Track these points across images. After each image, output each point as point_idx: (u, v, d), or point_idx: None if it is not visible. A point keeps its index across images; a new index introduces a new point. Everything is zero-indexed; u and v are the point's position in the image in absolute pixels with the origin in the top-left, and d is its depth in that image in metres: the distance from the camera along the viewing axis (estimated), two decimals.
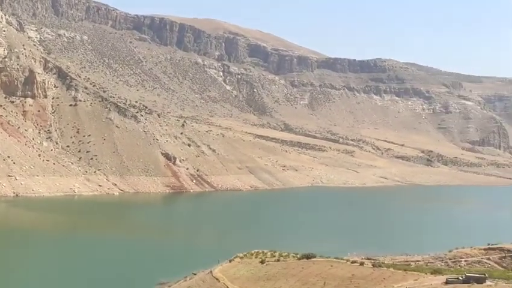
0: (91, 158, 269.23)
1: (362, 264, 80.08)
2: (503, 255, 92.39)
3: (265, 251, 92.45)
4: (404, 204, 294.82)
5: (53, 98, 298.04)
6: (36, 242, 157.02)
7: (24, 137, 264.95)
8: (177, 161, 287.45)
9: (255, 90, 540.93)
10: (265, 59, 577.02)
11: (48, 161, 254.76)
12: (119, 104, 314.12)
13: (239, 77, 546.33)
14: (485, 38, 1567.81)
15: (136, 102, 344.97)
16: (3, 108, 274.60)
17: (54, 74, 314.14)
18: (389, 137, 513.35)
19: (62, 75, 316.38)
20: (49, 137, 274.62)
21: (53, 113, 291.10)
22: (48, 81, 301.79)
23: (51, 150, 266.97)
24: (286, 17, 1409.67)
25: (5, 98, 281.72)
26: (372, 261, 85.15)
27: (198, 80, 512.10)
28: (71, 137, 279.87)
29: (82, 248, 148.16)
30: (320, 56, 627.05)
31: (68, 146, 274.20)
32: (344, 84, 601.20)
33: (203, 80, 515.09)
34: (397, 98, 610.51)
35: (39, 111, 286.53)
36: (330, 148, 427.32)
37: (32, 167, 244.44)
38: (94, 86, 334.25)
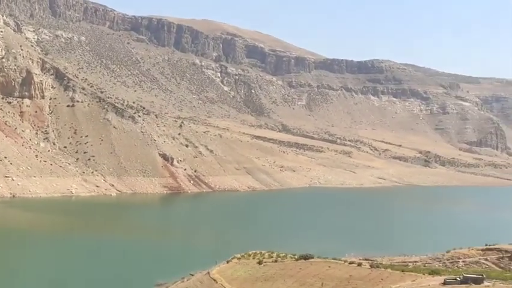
0: (88, 159, 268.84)
1: (359, 264, 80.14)
2: (501, 255, 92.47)
3: (262, 251, 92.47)
4: (402, 204, 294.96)
5: (50, 99, 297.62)
6: (33, 243, 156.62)
7: (22, 137, 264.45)
8: (175, 162, 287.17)
9: (252, 91, 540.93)
10: (263, 60, 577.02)
11: (45, 161, 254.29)
12: (116, 104, 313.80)
13: (237, 77, 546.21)
14: (483, 39, 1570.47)
15: (134, 103, 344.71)
16: (0, 109, 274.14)
17: (51, 74, 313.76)
18: (386, 138, 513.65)
19: (59, 76, 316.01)
20: (46, 138, 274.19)
21: (51, 113, 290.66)
22: (45, 82, 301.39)
23: (49, 151, 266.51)
24: (284, 18, 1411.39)
25: (2, 98, 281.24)
26: (370, 261, 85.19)
27: (196, 80, 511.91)
28: (69, 138, 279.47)
29: (79, 249, 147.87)
30: (318, 57, 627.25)
31: (65, 147, 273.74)
32: (341, 85, 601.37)
33: (201, 81, 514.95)
34: (394, 99, 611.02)
35: (36, 112, 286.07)
36: (328, 149, 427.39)
37: (29, 167, 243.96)
38: (91, 86, 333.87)
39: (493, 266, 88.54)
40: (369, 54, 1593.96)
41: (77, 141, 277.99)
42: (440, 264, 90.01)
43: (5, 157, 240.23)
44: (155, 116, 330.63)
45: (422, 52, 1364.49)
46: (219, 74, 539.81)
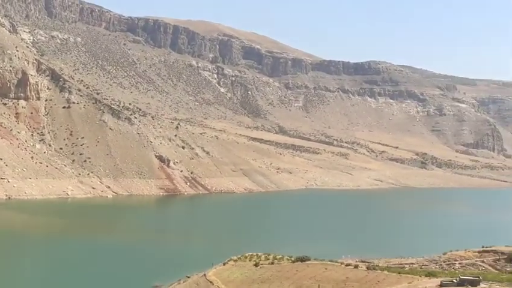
0: (84, 161, 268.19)
1: (356, 267, 79.95)
2: (497, 257, 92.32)
3: (259, 253, 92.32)
4: (398, 206, 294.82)
5: (46, 100, 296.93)
6: (29, 245, 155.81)
7: (17, 139, 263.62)
8: (171, 164, 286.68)
9: (249, 92, 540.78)
10: (260, 61, 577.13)
11: (41, 163, 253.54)
12: (112, 106, 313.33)
13: (233, 79, 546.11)
14: (480, 41, 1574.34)
15: (130, 104, 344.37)
16: None
17: (47, 76, 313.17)
18: (383, 140, 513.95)
19: (55, 77, 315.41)
20: (42, 139, 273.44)
21: (46, 115, 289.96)
22: (41, 83, 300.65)
23: (44, 152, 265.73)
24: (280, 19, 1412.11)
25: None
26: (367, 264, 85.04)
27: (192, 82, 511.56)
28: (64, 139, 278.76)
29: (75, 251, 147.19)
30: (314, 58, 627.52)
31: (61, 149, 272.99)
32: (338, 86, 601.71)
33: (197, 82, 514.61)
34: (391, 101, 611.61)
35: (32, 113, 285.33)
36: (325, 150, 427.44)
37: (24, 169, 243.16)
38: (87, 88, 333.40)
39: (490, 268, 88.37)
40: (366, 55, 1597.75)
41: (73, 143, 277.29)
42: (437, 266, 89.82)
43: (1, 159, 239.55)
44: (152, 117, 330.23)
45: (419, 53, 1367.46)
46: (215, 76, 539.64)
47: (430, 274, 75.65)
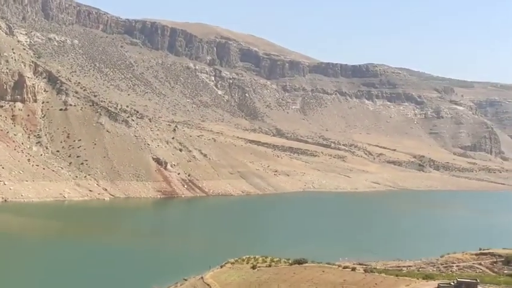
0: (81, 163, 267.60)
1: (353, 269, 79.77)
2: (495, 260, 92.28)
3: (256, 256, 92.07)
4: (396, 209, 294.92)
5: (43, 103, 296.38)
6: (25, 247, 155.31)
7: (14, 141, 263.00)
8: (168, 166, 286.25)
9: (246, 94, 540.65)
10: (257, 64, 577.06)
11: (37, 165, 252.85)
12: (110, 108, 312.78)
13: (231, 81, 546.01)
14: (478, 43, 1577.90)
15: (127, 106, 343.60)
16: None
17: (44, 78, 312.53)
18: (380, 142, 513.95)
19: (52, 80, 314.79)
20: (39, 142, 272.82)
21: (43, 117, 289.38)
22: (38, 86, 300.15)
23: (41, 155, 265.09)
24: (278, 21, 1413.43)
25: None
26: (364, 266, 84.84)
27: (190, 84, 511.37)
28: (61, 142, 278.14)
29: (72, 254, 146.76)
30: (312, 61, 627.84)
31: (58, 151, 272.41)
32: (335, 89, 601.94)
33: (194, 85, 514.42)
34: (389, 103, 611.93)
35: (28, 115, 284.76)
36: (322, 153, 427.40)
37: (21, 172, 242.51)
38: (84, 90, 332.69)
39: (487, 270, 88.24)
40: (364, 58, 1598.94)
41: (70, 145, 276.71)
42: (434, 269, 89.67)
43: None
44: (149, 120, 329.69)
45: (416, 56, 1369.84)
46: (212, 78, 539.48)
47: (428, 277, 75.58)
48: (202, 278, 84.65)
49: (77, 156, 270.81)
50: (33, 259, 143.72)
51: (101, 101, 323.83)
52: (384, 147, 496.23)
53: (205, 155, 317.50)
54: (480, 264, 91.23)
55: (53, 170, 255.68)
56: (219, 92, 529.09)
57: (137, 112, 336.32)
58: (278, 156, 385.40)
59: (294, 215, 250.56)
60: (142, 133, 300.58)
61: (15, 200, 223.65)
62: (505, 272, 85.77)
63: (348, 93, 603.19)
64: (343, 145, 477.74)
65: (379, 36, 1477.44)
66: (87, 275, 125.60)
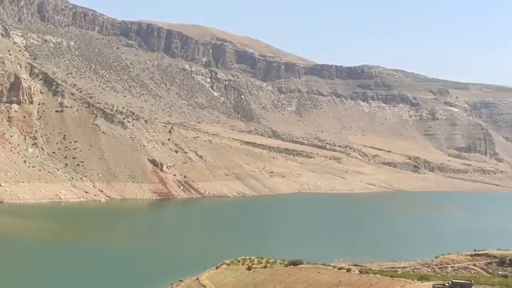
0: (77, 165, 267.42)
1: (348, 270, 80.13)
2: (489, 261, 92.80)
3: (252, 257, 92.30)
4: (391, 210, 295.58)
5: (39, 104, 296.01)
6: (21, 248, 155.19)
7: (10, 143, 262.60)
8: (164, 168, 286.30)
9: (242, 96, 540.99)
10: (253, 66, 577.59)
11: (33, 167, 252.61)
12: (106, 110, 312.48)
13: (226, 83, 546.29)
14: (473, 45, 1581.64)
15: (123, 108, 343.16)
16: None
17: (40, 79, 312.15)
18: (376, 144, 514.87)
19: (48, 81, 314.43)
20: (35, 143, 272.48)
21: (39, 119, 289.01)
22: (34, 87, 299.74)
23: (37, 156, 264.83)
24: (274, 23, 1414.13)
25: None
26: (359, 267, 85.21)
27: (185, 86, 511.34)
28: (57, 143, 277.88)
29: (67, 255, 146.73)
30: (308, 63, 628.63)
31: (54, 152, 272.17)
32: (331, 90, 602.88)
33: (190, 86, 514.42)
34: (384, 105, 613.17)
35: (25, 117, 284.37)
36: (318, 154, 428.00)
37: (17, 173, 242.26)
38: (80, 92, 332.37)
39: (482, 271, 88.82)
40: (359, 60, 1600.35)
41: (66, 147, 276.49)
42: (429, 270, 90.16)
43: None
44: (145, 121, 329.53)
45: (411, 58, 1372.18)
46: (208, 80, 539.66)
47: (423, 278, 76.07)
48: (197, 279, 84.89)
49: (73, 158, 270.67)
50: (29, 260, 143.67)
51: (97, 103, 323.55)
52: (380, 149, 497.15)
53: (200, 157, 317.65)
54: (475, 265, 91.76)
55: (49, 172, 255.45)
56: (215, 94, 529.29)
57: (133, 114, 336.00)
58: (274, 158, 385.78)
59: (289, 216, 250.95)
60: (137, 134, 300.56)
61: (11, 202, 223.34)
62: (500, 272, 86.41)
63: (343, 94, 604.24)
64: (338, 146, 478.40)
65: (374, 38, 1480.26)
66: (83, 276, 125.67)
